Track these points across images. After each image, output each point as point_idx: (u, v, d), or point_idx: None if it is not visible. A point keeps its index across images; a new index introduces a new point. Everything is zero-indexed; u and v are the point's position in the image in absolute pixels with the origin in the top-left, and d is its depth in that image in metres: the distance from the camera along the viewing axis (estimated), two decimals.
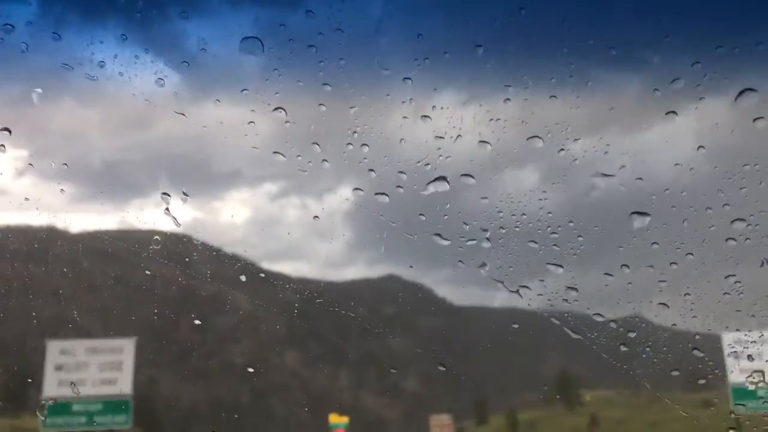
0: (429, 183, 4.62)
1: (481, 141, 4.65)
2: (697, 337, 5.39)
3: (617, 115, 4.95)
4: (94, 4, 4.79)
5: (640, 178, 4.71)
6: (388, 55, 4.73)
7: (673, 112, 4.47)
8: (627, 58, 4.88)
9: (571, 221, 4.92)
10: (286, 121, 4.87)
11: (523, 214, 5.11)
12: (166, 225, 5.79)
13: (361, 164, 4.96)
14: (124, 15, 5.11)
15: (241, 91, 4.78)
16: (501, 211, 5.04)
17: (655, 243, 4.89)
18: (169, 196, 4.99)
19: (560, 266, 5.23)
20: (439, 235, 4.93)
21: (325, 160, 4.82)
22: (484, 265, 4.86)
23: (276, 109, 4.71)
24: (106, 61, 5.17)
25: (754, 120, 4.05)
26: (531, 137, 4.91)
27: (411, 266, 4.82)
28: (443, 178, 4.50)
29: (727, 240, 4.79)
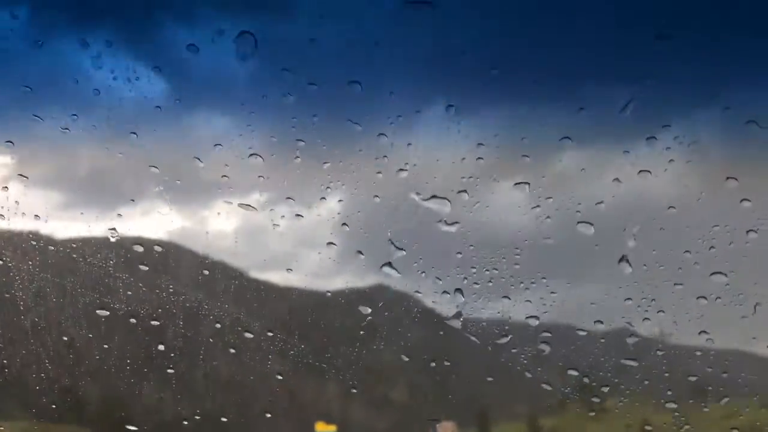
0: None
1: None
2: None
3: (608, 129, 5.02)
4: (84, 11, 4.82)
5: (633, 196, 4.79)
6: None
7: (667, 126, 4.55)
8: (619, 71, 4.96)
9: (560, 235, 5.00)
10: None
11: (509, 228, 5.19)
12: (152, 233, 5.80)
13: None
14: (113, 23, 5.14)
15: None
16: (487, 225, 5.11)
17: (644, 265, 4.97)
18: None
19: (545, 278, 5.32)
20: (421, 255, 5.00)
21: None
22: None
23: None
24: (93, 68, 5.20)
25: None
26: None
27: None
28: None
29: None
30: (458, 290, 5.04)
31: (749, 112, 4.25)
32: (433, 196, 4.72)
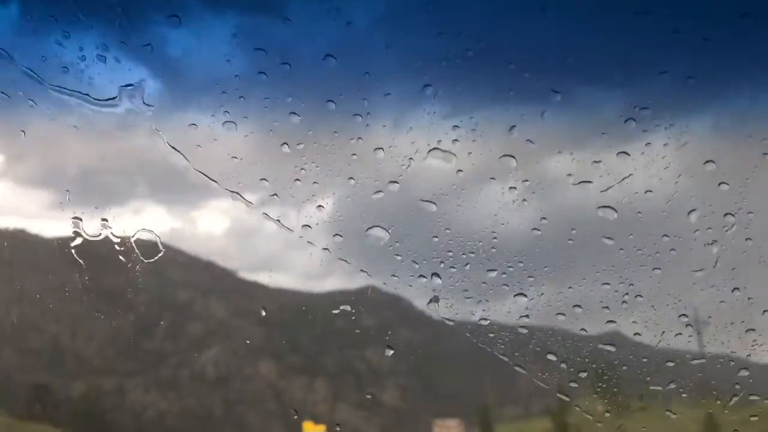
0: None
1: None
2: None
3: (599, 130, 5.06)
4: (75, 10, 4.82)
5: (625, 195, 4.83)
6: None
7: (659, 126, 4.59)
8: (611, 74, 5.00)
9: (551, 237, 5.03)
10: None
11: (501, 229, 5.22)
12: (143, 234, 5.81)
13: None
14: (105, 21, 5.14)
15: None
16: (477, 226, 5.13)
17: (630, 256, 5.01)
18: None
19: (521, 262, 5.35)
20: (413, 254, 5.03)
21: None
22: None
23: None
24: (84, 67, 5.20)
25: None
26: (501, 158, 5.03)
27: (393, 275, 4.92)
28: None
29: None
30: (435, 274, 5.05)
31: (729, 93, 4.29)
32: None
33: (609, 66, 4.91)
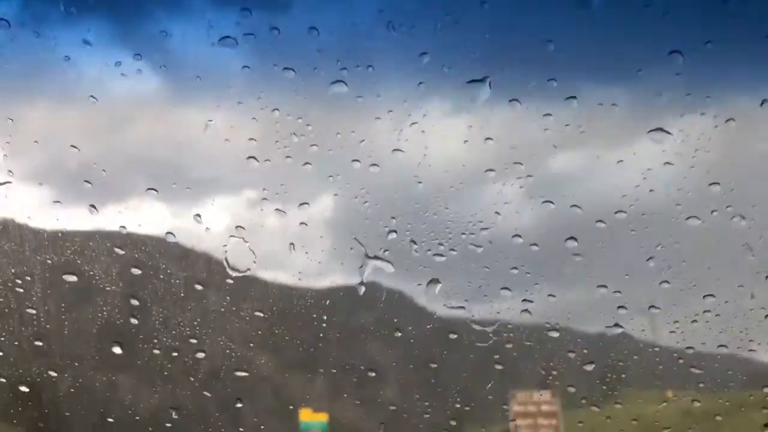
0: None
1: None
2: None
3: (603, 129, 5.05)
4: (75, 3, 4.81)
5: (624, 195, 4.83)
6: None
7: (660, 129, 4.58)
8: (614, 71, 4.99)
9: (554, 235, 5.03)
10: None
11: (504, 228, 5.21)
12: (142, 228, 5.80)
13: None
14: (105, 15, 5.13)
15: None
16: (482, 222, 5.12)
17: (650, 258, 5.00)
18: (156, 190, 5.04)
19: (540, 282, 5.35)
20: (413, 242, 5.03)
21: (308, 162, 4.90)
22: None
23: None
24: (85, 62, 5.20)
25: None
26: (512, 149, 5.02)
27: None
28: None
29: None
30: (435, 280, 5.05)
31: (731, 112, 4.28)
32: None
33: (615, 64, 4.90)
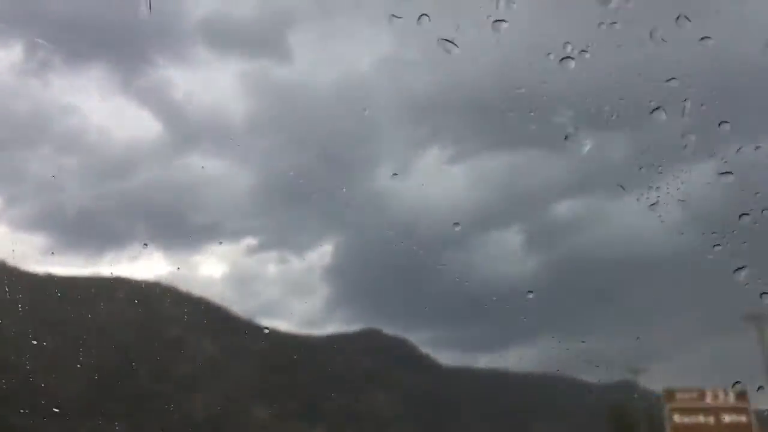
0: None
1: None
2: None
3: (605, 176, 5.13)
4: (79, 51, 4.94)
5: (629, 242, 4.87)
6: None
7: (660, 172, 4.65)
8: (617, 119, 5.09)
9: (556, 284, 5.05)
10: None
11: (505, 277, 5.24)
12: (142, 274, 5.86)
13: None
14: (109, 64, 5.26)
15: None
16: (484, 274, 5.15)
17: (645, 306, 5.03)
18: (146, 245, 5.07)
19: (547, 332, 5.38)
20: (415, 288, 5.05)
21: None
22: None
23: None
24: (88, 109, 5.31)
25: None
26: (515, 197, 5.08)
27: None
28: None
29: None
30: (438, 320, 5.07)
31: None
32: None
33: (615, 112, 4.99)
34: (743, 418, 12.97)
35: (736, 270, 4.64)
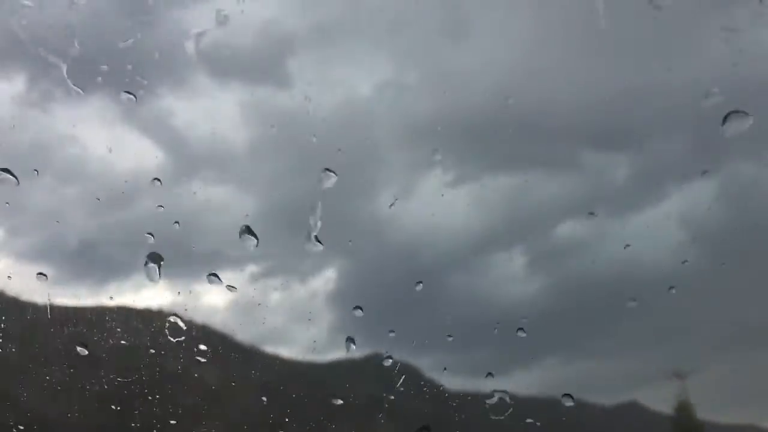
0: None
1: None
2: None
3: (608, 195, 5.09)
4: (81, 82, 4.94)
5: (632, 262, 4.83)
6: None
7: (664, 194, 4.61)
8: (618, 138, 5.06)
9: (559, 305, 5.01)
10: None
11: (509, 298, 5.19)
12: (144, 303, 5.78)
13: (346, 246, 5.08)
14: (110, 93, 5.26)
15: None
16: (485, 296, 5.10)
17: (650, 328, 4.98)
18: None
19: (550, 354, 5.30)
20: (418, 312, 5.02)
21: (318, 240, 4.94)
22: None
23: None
24: (89, 139, 5.29)
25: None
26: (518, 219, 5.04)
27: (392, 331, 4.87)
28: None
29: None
30: (442, 345, 5.02)
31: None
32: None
33: (617, 131, 4.96)
34: None
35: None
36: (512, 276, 4.80)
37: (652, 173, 4.65)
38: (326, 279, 5.51)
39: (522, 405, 5.43)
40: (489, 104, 5.13)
